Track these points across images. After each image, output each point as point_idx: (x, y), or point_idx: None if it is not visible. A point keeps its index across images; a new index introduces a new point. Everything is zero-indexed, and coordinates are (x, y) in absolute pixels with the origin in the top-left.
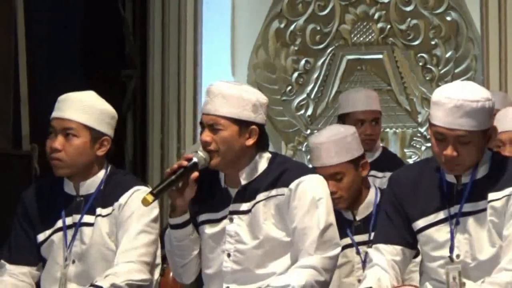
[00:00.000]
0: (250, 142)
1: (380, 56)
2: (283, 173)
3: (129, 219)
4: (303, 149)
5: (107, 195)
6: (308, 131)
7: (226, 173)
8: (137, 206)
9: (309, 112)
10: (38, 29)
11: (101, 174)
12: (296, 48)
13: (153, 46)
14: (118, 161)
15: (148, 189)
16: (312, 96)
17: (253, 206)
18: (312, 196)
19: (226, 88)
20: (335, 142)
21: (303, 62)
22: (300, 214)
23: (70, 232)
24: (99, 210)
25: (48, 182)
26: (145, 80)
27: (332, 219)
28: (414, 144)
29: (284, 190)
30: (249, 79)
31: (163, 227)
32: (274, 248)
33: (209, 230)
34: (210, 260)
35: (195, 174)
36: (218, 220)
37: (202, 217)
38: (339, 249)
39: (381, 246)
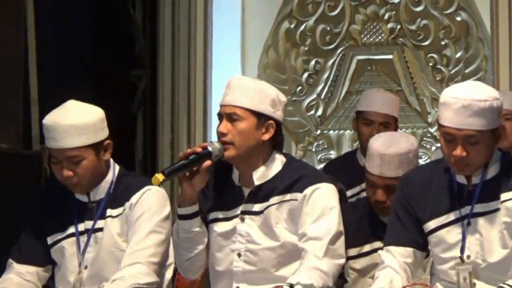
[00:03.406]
0: (266, 137)
1: (390, 57)
2: (300, 179)
3: (140, 218)
4: (313, 149)
5: (118, 196)
6: (318, 132)
7: (240, 169)
8: (148, 205)
9: (319, 112)
10: (48, 30)
11: (110, 177)
12: (306, 48)
13: (163, 46)
14: (128, 162)
15: (161, 189)
16: (322, 96)
17: (265, 208)
18: (325, 204)
19: (246, 81)
20: (398, 156)
21: (313, 62)
22: (311, 220)
23: (83, 239)
24: (109, 212)
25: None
26: (155, 80)
27: (342, 229)
28: (424, 145)
29: (298, 195)
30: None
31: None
32: (288, 251)
33: (219, 228)
34: (218, 259)
35: (208, 163)
36: (229, 219)
37: (213, 214)
38: (344, 260)
39: (392, 248)
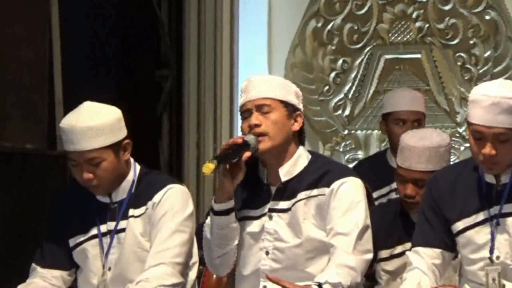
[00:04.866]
0: (296, 127)
1: (418, 56)
2: (326, 173)
3: (163, 218)
4: (341, 149)
5: (140, 195)
6: (346, 132)
7: (268, 165)
8: (171, 204)
9: (347, 112)
10: (73, 30)
11: (131, 176)
12: (333, 47)
13: (188, 46)
14: (153, 163)
15: (183, 187)
16: (350, 96)
17: (293, 205)
18: (352, 197)
19: (266, 75)
20: (429, 149)
21: (340, 61)
22: (339, 215)
23: (105, 240)
24: (131, 211)
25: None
26: (180, 81)
27: (369, 223)
28: (453, 145)
29: (325, 190)
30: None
31: (199, 223)
32: (314, 248)
33: (247, 226)
34: (246, 257)
35: (248, 153)
36: (257, 217)
37: (242, 213)
38: (371, 255)
39: (420, 249)
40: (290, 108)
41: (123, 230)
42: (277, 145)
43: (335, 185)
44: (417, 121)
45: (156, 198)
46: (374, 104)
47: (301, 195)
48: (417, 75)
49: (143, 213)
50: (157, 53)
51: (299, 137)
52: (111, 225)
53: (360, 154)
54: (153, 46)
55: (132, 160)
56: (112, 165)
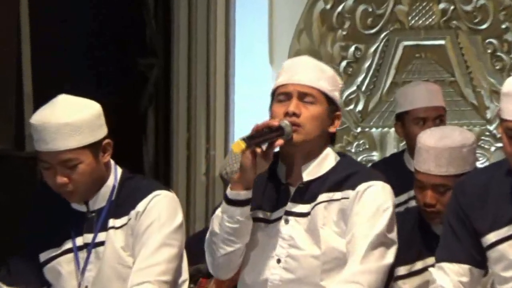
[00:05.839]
0: (332, 129)
1: (442, 42)
2: (351, 175)
3: (148, 229)
4: (353, 150)
5: (121, 204)
6: (359, 129)
7: (292, 160)
8: (158, 214)
9: (360, 107)
10: (43, 14)
11: (111, 181)
12: (344, 32)
13: (178, 31)
14: (137, 165)
15: (171, 194)
16: (363, 88)
17: (312, 208)
18: (379, 203)
19: (320, 62)
20: (450, 150)
21: (352, 49)
22: (360, 222)
23: (82, 255)
24: (111, 222)
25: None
26: (168, 70)
27: (393, 235)
28: (482, 145)
29: (349, 193)
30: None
31: (190, 235)
32: (333, 259)
33: (259, 230)
34: (254, 264)
35: (281, 141)
36: (271, 221)
37: (253, 214)
38: (386, 269)
39: (445, 265)
40: (332, 106)
41: (102, 243)
42: (308, 141)
43: (360, 188)
44: (439, 117)
45: (140, 206)
46: (391, 98)
47: (322, 197)
48: (441, 65)
49: (125, 224)
50: (141, 39)
51: (330, 138)
52: (88, 237)
53: (375, 156)
54: (136, 30)
55: (112, 162)
56: (90, 168)
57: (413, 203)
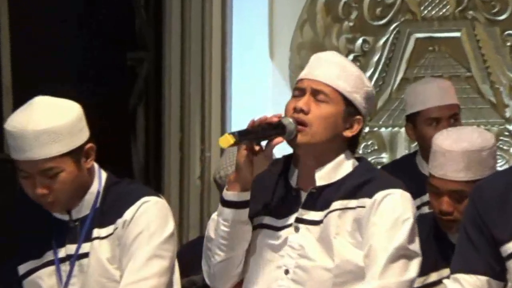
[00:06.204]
0: (348, 134)
1: (457, 34)
2: (368, 182)
3: (137, 240)
4: (360, 151)
5: (107, 211)
6: (367, 129)
7: (304, 163)
8: (147, 223)
9: None
10: (23, 3)
11: (95, 187)
12: (351, 24)
13: (170, 22)
14: (125, 168)
15: (161, 200)
16: (372, 84)
17: (325, 216)
18: (398, 214)
19: (346, 61)
20: (468, 153)
21: (359, 41)
22: (378, 233)
23: (64, 268)
24: (96, 232)
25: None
26: (160, 65)
27: (415, 246)
28: (501, 145)
29: (366, 201)
30: (291, 63)
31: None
32: (347, 272)
33: (265, 238)
34: (259, 276)
35: (279, 139)
36: (280, 228)
37: (260, 220)
38: (409, 281)
39: (461, 276)
40: (350, 109)
41: (86, 255)
42: (315, 144)
43: (378, 196)
44: (453, 116)
45: (127, 214)
46: (402, 95)
47: (336, 204)
48: (456, 59)
49: (111, 234)
50: (130, 31)
51: (350, 144)
52: (71, 248)
53: (385, 158)
54: (125, 21)
55: (96, 166)
56: (72, 176)
57: (426, 210)
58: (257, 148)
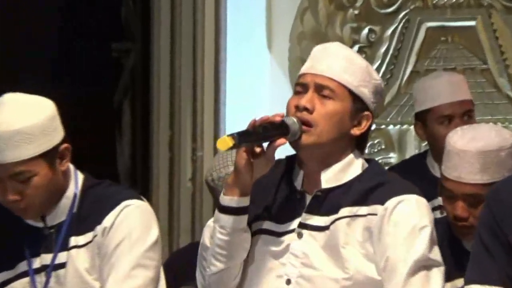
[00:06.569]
0: (356, 132)
1: (472, 23)
2: (379, 186)
3: (118, 248)
4: (366, 151)
5: (85, 217)
6: (373, 126)
7: (309, 165)
8: (129, 229)
9: None
10: None
11: (71, 190)
12: (356, 12)
13: (159, 10)
14: (110, 170)
15: (144, 204)
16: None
17: (332, 223)
18: (414, 222)
19: (352, 53)
20: (485, 154)
21: (365, 31)
22: (394, 243)
23: (39, 279)
24: (73, 240)
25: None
26: (147, 57)
27: (435, 255)
28: None
29: (377, 208)
30: (291, 55)
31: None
32: (356, 284)
33: (266, 244)
34: (258, 286)
35: (282, 140)
36: (281, 234)
37: (259, 225)
38: None
39: (476, 287)
40: (358, 105)
41: (63, 265)
42: (321, 144)
43: (390, 203)
44: (467, 113)
45: (107, 221)
46: (412, 90)
47: (344, 211)
48: (471, 50)
49: (89, 242)
50: (115, 19)
51: (358, 143)
52: (46, 258)
53: (393, 158)
54: (109, 10)
55: (72, 168)
56: (45, 180)
57: (437, 215)
58: (258, 150)
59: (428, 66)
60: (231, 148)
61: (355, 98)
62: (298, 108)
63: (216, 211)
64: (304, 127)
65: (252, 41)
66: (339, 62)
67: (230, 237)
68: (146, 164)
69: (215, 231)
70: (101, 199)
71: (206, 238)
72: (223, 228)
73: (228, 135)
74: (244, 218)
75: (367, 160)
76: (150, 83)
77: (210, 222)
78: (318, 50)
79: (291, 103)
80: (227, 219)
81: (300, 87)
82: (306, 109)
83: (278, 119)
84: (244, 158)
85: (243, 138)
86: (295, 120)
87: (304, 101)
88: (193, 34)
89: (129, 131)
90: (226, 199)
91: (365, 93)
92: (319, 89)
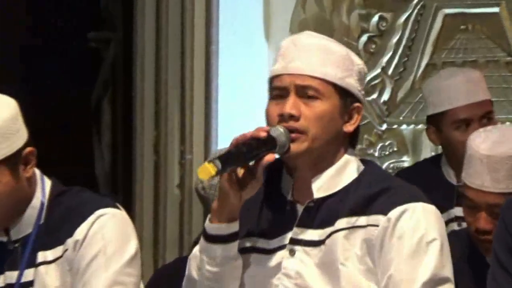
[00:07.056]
0: (349, 128)
1: (495, 10)
2: (381, 193)
3: (92, 264)
4: (376, 153)
5: (53, 229)
6: (384, 126)
7: (300, 172)
8: (103, 242)
9: (386, 96)
10: None
11: (38, 199)
12: None
13: None
14: (88, 175)
15: (119, 212)
16: (390, 71)
17: (328, 236)
18: (421, 234)
19: (328, 41)
20: (510, 159)
21: (375, 18)
22: (399, 259)
23: None
24: (41, 255)
25: None
26: (130, 48)
27: (447, 271)
28: None
29: (379, 219)
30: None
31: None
32: None
33: (255, 263)
34: None
35: (271, 156)
36: (271, 251)
37: (247, 241)
38: None
39: None
40: (347, 100)
41: (30, 283)
42: (315, 149)
43: (393, 213)
44: (486, 115)
45: (79, 233)
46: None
47: (341, 223)
48: (494, 40)
49: (59, 257)
50: (94, 7)
51: (350, 139)
52: (11, 276)
53: (406, 161)
54: None
55: (38, 174)
56: (8, 189)
57: (454, 226)
58: (243, 171)
59: (446, 58)
60: (214, 176)
61: (342, 91)
62: (282, 116)
63: (202, 240)
64: (293, 135)
65: (247, 31)
66: (316, 55)
67: (220, 268)
68: (128, 169)
69: (203, 262)
70: (71, 208)
71: (193, 270)
72: (212, 259)
73: (209, 161)
74: (235, 245)
75: (363, 161)
76: (133, 77)
77: (196, 252)
78: (288, 45)
79: (272, 112)
80: (215, 248)
81: (278, 91)
82: (292, 116)
83: (263, 134)
84: (228, 181)
85: (226, 163)
86: (281, 130)
87: (288, 107)
88: (181, 22)
89: (109, 131)
90: (213, 228)
91: (352, 83)
92: (301, 90)
